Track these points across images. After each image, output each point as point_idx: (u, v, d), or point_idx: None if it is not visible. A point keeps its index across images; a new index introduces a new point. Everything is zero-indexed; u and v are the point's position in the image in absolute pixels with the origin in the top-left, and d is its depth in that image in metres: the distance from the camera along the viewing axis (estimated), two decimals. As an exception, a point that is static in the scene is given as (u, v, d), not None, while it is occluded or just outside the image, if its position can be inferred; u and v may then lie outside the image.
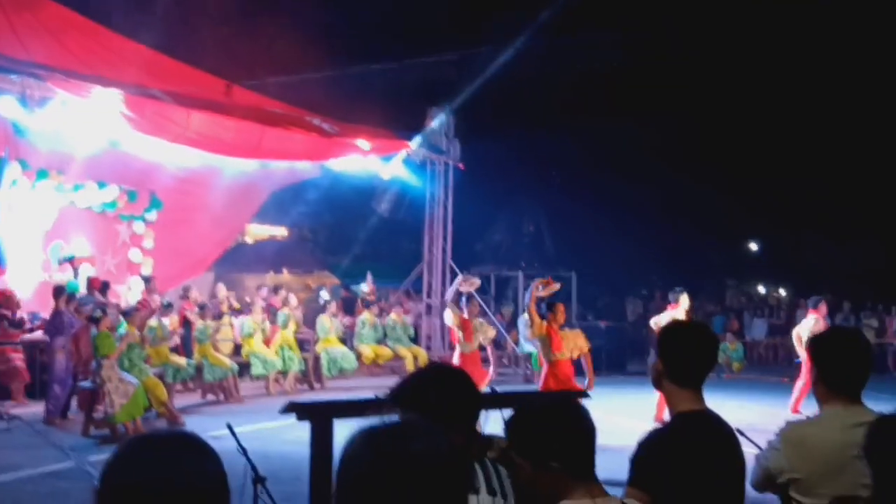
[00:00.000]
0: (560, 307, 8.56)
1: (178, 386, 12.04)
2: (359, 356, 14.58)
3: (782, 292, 29.51)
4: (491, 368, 9.95)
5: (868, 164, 24.28)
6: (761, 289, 30.68)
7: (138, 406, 9.59)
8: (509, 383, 14.50)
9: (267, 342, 13.50)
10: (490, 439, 2.50)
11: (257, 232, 21.62)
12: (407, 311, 16.02)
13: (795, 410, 10.62)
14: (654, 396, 9.24)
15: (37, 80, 10.91)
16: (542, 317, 8.44)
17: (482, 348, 9.96)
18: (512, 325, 16.26)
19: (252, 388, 13.29)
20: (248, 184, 15.06)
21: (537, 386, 8.73)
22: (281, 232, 22.90)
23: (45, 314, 11.50)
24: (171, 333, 12.14)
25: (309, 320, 14.66)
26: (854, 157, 24.18)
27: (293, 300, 14.18)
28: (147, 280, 13.56)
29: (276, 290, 15.03)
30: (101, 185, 13.77)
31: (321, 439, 3.85)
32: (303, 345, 14.17)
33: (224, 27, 16.49)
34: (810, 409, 3.00)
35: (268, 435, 8.95)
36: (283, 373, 13.62)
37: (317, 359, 14.06)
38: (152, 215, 14.84)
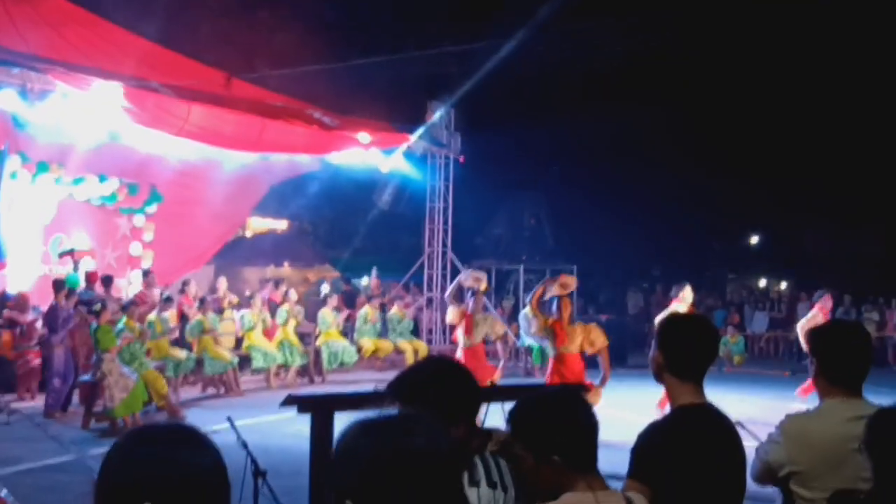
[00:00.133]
0: (566, 301, 8.58)
1: (180, 380, 12.04)
2: (359, 349, 14.60)
3: (783, 286, 29.47)
4: (501, 363, 9.64)
5: (870, 157, 24.23)
6: (762, 282, 30.65)
7: (137, 401, 9.60)
8: (510, 377, 14.50)
9: (268, 335, 13.50)
10: (490, 432, 2.50)
11: (257, 225, 21.62)
12: (408, 305, 16.03)
13: (802, 394, 10.47)
14: (655, 390, 9.20)
15: (37, 73, 10.91)
16: (545, 312, 8.44)
17: (487, 342, 9.90)
18: (513, 318, 16.25)
19: (252, 381, 13.30)
20: (248, 177, 15.05)
21: (539, 379, 8.72)
22: (281, 225, 22.90)
23: (45, 308, 11.45)
24: (172, 328, 12.14)
25: (309, 314, 14.65)
26: (856, 150, 24.13)
27: (293, 295, 14.16)
28: (146, 274, 13.53)
29: (276, 284, 14.99)
30: (102, 178, 13.74)
31: (322, 432, 3.86)
32: (303, 338, 14.18)
33: (224, 20, 16.46)
34: (814, 401, 3.00)
35: (268, 428, 8.97)
36: (285, 366, 13.63)
37: (318, 352, 14.07)
38: (152, 208, 14.82)
